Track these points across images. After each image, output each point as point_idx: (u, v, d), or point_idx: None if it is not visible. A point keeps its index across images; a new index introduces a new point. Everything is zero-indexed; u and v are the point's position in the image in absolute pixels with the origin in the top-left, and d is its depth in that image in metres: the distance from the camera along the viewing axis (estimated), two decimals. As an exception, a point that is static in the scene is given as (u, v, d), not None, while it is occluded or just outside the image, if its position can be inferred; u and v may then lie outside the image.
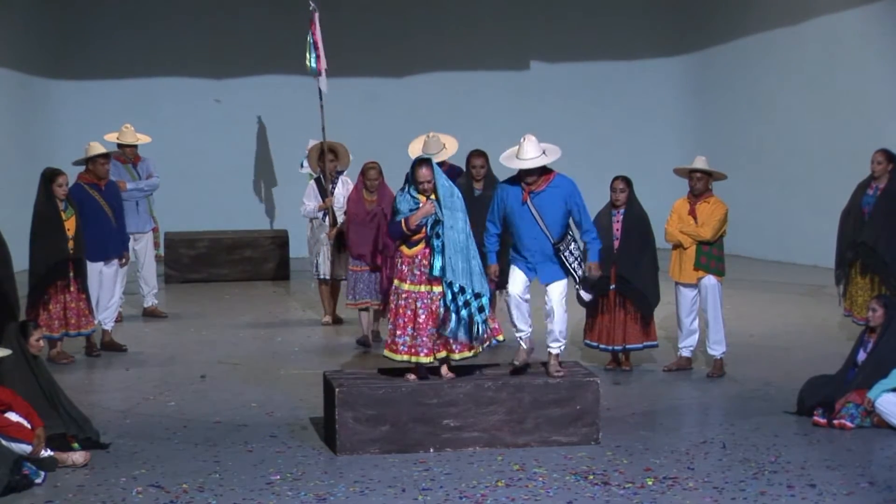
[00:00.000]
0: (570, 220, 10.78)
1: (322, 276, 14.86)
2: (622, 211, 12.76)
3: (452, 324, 10.20)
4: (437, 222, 10.20)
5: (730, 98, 19.96)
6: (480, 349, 10.42)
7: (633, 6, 20.60)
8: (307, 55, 14.39)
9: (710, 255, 12.71)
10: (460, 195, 10.39)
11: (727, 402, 11.97)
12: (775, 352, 13.74)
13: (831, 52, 18.43)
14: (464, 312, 10.20)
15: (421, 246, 10.26)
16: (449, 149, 14.03)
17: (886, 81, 17.76)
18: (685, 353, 12.97)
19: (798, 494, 9.28)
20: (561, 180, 10.67)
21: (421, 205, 10.21)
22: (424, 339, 10.26)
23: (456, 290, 10.17)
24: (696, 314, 12.87)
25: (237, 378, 12.76)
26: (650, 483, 9.52)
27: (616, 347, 12.83)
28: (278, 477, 9.69)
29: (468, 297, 10.20)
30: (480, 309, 10.25)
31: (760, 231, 19.14)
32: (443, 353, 10.32)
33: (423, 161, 10.27)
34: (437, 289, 10.22)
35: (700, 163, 12.91)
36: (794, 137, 18.96)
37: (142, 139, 15.51)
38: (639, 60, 20.67)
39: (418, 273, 10.26)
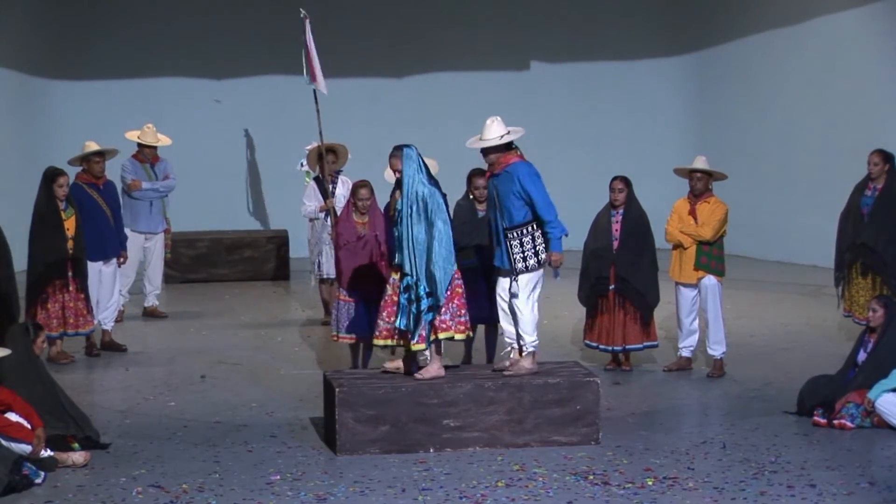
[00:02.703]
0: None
1: (324, 276, 14.84)
2: (621, 211, 12.75)
3: (402, 314, 10.26)
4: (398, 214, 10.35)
5: (730, 98, 19.95)
6: (422, 345, 10.34)
7: (633, 6, 20.59)
8: (303, 64, 14.30)
9: (711, 255, 12.72)
10: (436, 200, 10.20)
11: (727, 402, 11.98)
12: (775, 352, 13.74)
13: (831, 52, 18.42)
14: (413, 308, 10.22)
15: None
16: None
17: (886, 81, 17.75)
18: (685, 353, 12.97)
19: (798, 494, 9.28)
20: (515, 167, 10.45)
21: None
22: (378, 321, 10.47)
23: (409, 282, 10.20)
24: (696, 314, 12.87)
25: (237, 378, 12.77)
26: (650, 483, 9.53)
27: (616, 348, 12.83)
28: (278, 477, 9.69)
29: (421, 293, 10.18)
30: (430, 309, 10.22)
31: (760, 231, 19.13)
32: (389, 341, 10.46)
33: (395, 148, 10.37)
34: (395, 276, 10.37)
35: (700, 163, 12.92)
36: (794, 137, 18.95)
37: (163, 140, 15.48)
38: (639, 60, 20.65)
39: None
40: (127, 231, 15.09)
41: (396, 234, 10.31)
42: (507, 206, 10.45)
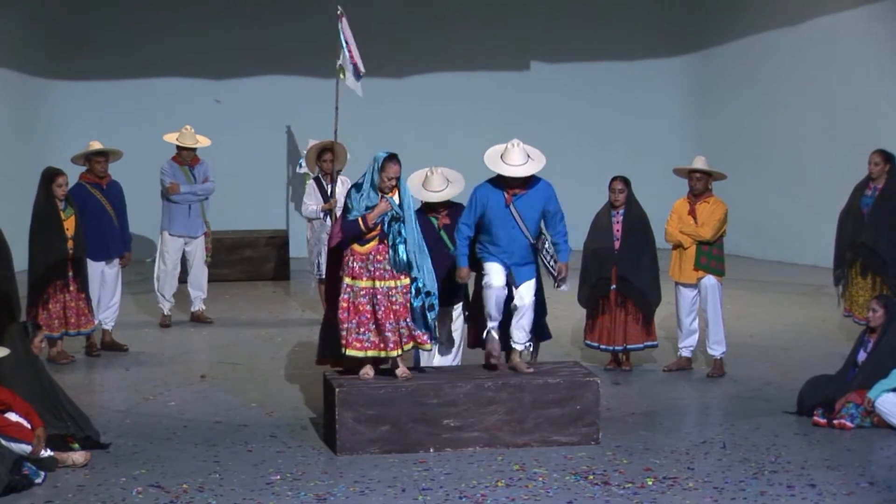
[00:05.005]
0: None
1: (323, 276, 14.82)
2: (622, 211, 12.76)
3: (418, 316, 10.32)
4: (395, 219, 10.28)
5: (730, 98, 19.95)
6: (430, 345, 10.52)
7: (634, 6, 20.59)
8: (345, 62, 14.21)
9: (711, 255, 12.72)
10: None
11: (727, 402, 11.98)
12: (775, 352, 13.74)
13: (831, 52, 18.42)
14: (418, 304, 10.30)
15: (374, 243, 10.32)
16: (455, 185, 11.49)
17: (887, 81, 17.75)
18: (685, 353, 12.97)
19: (798, 494, 9.29)
20: (542, 184, 10.75)
21: (378, 202, 10.31)
22: (387, 333, 10.30)
23: (420, 284, 10.30)
24: (696, 314, 12.88)
25: (237, 378, 12.77)
26: (650, 483, 9.53)
27: (617, 348, 12.83)
28: (278, 477, 9.70)
29: (424, 292, 10.32)
30: (431, 307, 10.37)
31: (760, 231, 19.14)
32: (410, 345, 10.38)
33: (393, 156, 10.30)
34: (402, 282, 10.31)
35: (700, 163, 12.92)
36: (794, 137, 18.96)
37: (202, 142, 15.28)
38: (639, 60, 20.65)
39: (373, 269, 10.30)
40: (164, 234, 15.06)
41: (400, 238, 10.26)
42: (534, 223, 10.71)
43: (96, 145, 13.94)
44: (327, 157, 14.78)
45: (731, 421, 11.24)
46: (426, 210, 11.33)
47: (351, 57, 14.06)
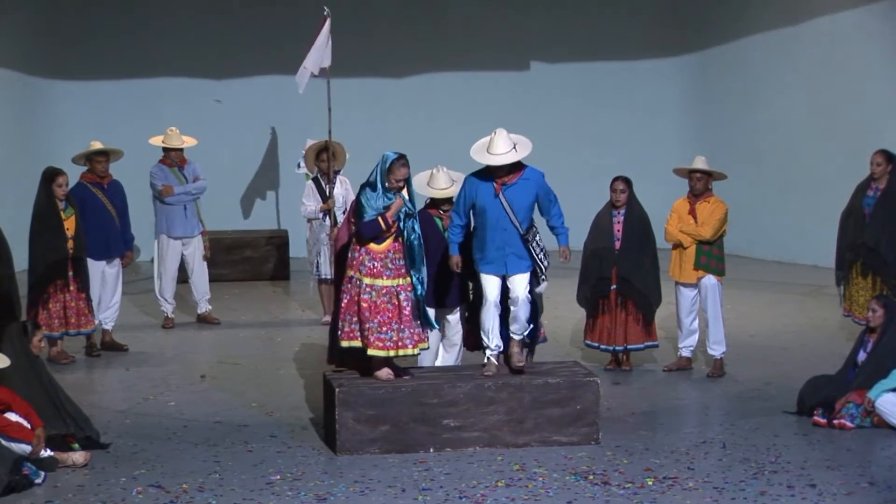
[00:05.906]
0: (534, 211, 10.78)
1: (322, 276, 14.84)
2: (623, 212, 12.76)
3: (422, 308, 10.38)
4: (408, 215, 10.33)
5: (729, 98, 19.95)
6: (427, 343, 10.56)
7: (633, 6, 20.59)
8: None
9: (711, 255, 12.72)
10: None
11: (727, 402, 11.98)
12: (775, 352, 13.74)
13: (830, 52, 18.42)
14: (421, 294, 10.37)
15: (390, 240, 10.34)
16: (460, 184, 11.37)
17: (886, 81, 17.76)
18: (685, 353, 12.97)
19: (798, 494, 9.29)
20: (531, 173, 10.63)
21: (394, 199, 10.33)
22: (406, 330, 10.33)
23: (421, 279, 10.35)
24: (696, 314, 12.87)
25: (237, 378, 12.77)
26: (650, 483, 9.53)
27: (618, 348, 12.83)
28: (278, 477, 9.70)
29: (421, 283, 10.37)
30: (423, 300, 10.45)
31: (760, 231, 19.13)
32: (425, 344, 10.45)
33: (402, 158, 10.33)
34: (406, 280, 10.34)
35: (700, 163, 12.92)
36: (794, 137, 18.96)
37: (188, 141, 15.25)
38: (639, 60, 20.65)
39: (393, 267, 10.33)
40: (162, 237, 15.03)
41: (415, 234, 10.31)
42: (525, 214, 10.59)
43: (97, 145, 13.94)
44: (325, 157, 14.76)
45: (731, 421, 11.24)
46: (430, 208, 11.34)
47: (308, 54, 14.20)
